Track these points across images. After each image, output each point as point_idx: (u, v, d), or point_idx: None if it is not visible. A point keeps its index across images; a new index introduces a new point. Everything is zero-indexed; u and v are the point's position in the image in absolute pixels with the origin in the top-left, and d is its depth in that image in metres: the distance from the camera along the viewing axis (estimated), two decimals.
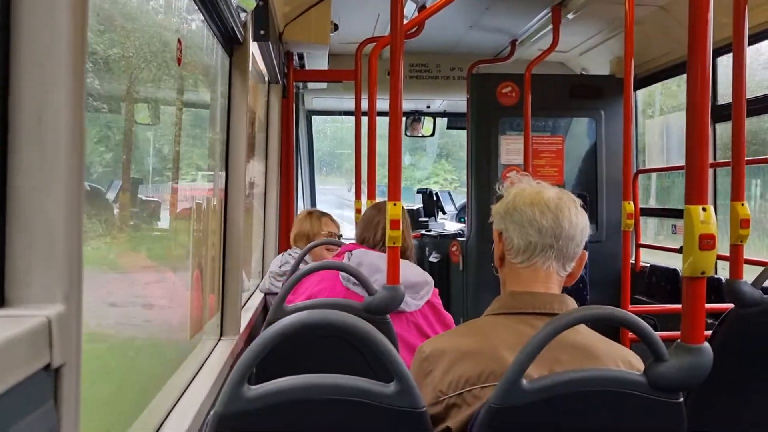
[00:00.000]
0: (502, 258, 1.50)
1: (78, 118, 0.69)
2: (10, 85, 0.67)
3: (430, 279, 2.40)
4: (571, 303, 1.44)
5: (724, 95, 3.85)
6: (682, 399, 1.28)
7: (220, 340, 2.35)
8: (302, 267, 2.54)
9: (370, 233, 2.49)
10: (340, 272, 2.29)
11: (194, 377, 1.89)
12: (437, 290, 2.44)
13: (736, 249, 2.17)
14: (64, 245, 0.69)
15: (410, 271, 2.32)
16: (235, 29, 2.24)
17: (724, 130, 3.91)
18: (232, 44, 2.41)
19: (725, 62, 3.72)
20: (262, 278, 3.74)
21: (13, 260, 0.68)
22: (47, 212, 0.68)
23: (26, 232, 0.68)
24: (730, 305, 2.05)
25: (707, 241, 1.38)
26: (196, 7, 1.91)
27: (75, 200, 0.71)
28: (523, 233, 1.44)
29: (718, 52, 3.60)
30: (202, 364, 2.03)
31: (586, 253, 1.50)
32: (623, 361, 1.39)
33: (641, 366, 1.39)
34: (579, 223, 1.45)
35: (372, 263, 2.27)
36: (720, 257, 3.24)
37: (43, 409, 0.65)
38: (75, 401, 0.71)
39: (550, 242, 1.43)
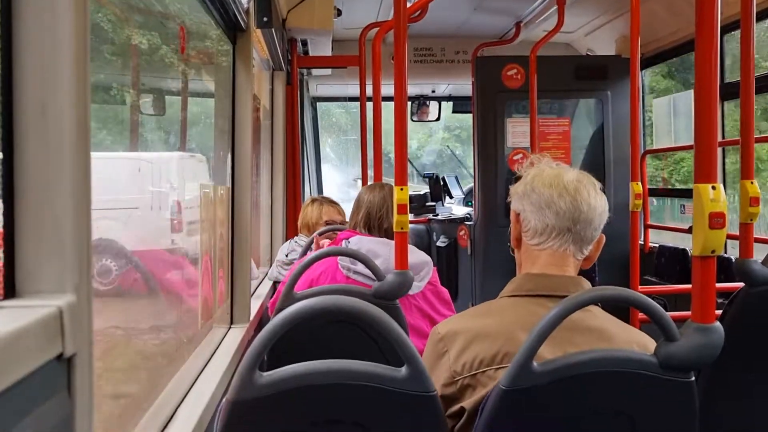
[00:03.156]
0: (519, 239, 1.50)
1: (82, 107, 0.69)
2: (13, 75, 0.67)
3: (428, 259, 2.39)
4: (587, 285, 1.43)
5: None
6: (693, 378, 1.28)
7: (230, 328, 2.36)
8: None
9: (355, 219, 2.47)
10: (340, 262, 2.28)
11: (206, 365, 1.90)
12: (436, 268, 2.44)
13: (746, 228, 2.16)
14: (73, 235, 0.69)
15: (409, 254, 2.31)
16: (238, 16, 2.22)
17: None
18: (235, 31, 2.40)
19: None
20: (271, 266, 3.75)
21: (23, 251, 0.68)
22: (55, 203, 0.68)
23: (35, 223, 0.68)
24: (741, 284, 2.05)
25: (717, 220, 1.37)
26: None
27: (83, 190, 0.71)
28: (541, 215, 1.43)
29: (726, 29, 3.56)
30: (214, 352, 2.04)
31: (604, 237, 1.49)
32: (638, 344, 1.38)
33: None
34: (597, 206, 1.44)
35: (370, 249, 2.25)
36: (730, 236, 3.23)
37: (56, 398, 0.65)
38: (88, 390, 0.71)
39: (568, 225, 1.42)
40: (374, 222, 2.42)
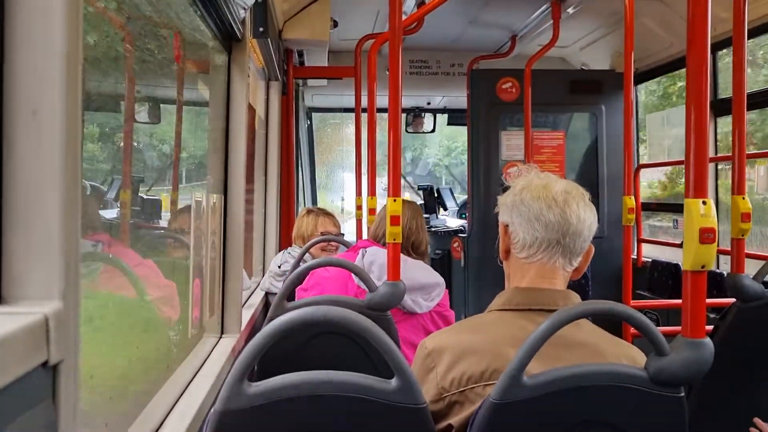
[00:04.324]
0: (508, 251, 1.48)
1: (74, 111, 0.69)
2: (4, 76, 0.66)
3: (441, 280, 2.37)
4: (576, 299, 1.42)
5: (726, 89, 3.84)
6: (683, 393, 1.27)
7: (221, 338, 2.35)
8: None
9: (382, 230, 2.47)
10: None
11: (195, 375, 1.89)
12: (447, 291, 2.43)
13: (737, 243, 2.17)
14: (62, 241, 0.68)
15: (421, 273, 2.31)
16: (234, 26, 2.23)
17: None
18: (230, 41, 2.40)
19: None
20: (263, 276, 3.74)
21: (11, 257, 0.68)
22: (44, 208, 0.67)
23: (23, 228, 0.68)
24: (732, 299, 2.05)
25: (707, 235, 1.38)
26: (194, 4, 1.90)
27: (72, 196, 0.70)
28: (530, 228, 1.42)
29: (718, 46, 3.59)
30: (203, 362, 2.03)
31: (593, 248, 1.49)
32: (627, 358, 1.37)
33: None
34: (586, 218, 1.43)
35: (383, 264, 2.25)
36: (721, 251, 3.24)
37: (41, 405, 0.65)
38: (73, 398, 0.70)
39: (557, 238, 1.41)
40: (407, 241, 2.43)
